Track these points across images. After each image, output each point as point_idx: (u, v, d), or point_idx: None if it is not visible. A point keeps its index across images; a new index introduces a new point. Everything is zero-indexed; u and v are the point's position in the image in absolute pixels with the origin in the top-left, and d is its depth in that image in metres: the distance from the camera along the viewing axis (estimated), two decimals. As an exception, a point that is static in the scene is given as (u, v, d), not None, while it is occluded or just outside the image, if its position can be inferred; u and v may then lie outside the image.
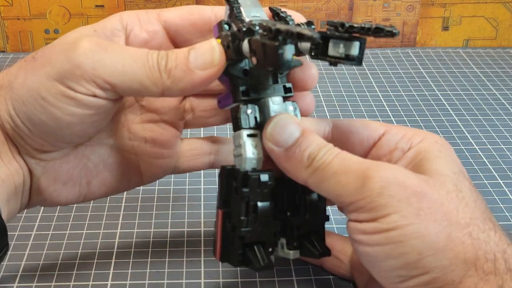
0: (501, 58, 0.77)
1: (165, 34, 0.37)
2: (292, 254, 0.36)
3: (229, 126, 0.59)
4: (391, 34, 0.29)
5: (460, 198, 0.31)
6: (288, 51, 0.29)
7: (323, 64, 0.74)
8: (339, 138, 0.36)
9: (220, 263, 0.41)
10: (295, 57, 0.32)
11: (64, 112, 0.32)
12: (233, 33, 0.32)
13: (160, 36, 0.37)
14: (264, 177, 0.33)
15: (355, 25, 0.30)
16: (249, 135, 0.34)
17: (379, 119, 0.61)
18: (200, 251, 0.43)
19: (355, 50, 0.30)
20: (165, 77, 0.32)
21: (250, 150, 0.34)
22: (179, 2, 0.76)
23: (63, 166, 0.35)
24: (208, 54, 0.32)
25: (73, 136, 0.34)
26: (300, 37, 0.26)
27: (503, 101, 0.66)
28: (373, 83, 0.70)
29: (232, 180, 0.34)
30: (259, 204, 0.33)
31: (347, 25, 0.30)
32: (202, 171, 0.52)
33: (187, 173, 0.51)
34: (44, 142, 0.34)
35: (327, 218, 0.36)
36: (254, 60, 0.31)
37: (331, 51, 0.30)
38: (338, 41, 0.30)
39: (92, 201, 0.48)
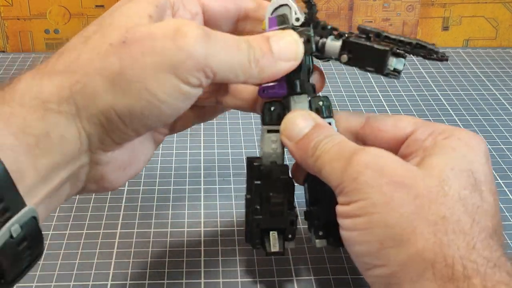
0: (501, 58, 0.77)
1: (202, 17, 0.37)
2: (318, 243, 0.37)
3: (228, 121, 0.59)
4: (444, 59, 0.36)
5: (440, 194, 0.30)
6: (392, 60, 0.34)
7: (323, 64, 0.74)
8: (369, 135, 0.37)
9: (221, 263, 0.41)
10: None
11: (171, 107, 0.30)
12: (317, 30, 0.35)
13: (199, 19, 0.36)
14: (276, 172, 0.36)
15: (397, 39, 0.35)
16: (269, 131, 0.36)
17: (379, 119, 0.61)
18: (200, 251, 0.43)
19: (401, 65, 0.35)
20: (254, 66, 0.32)
21: (268, 145, 0.36)
22: (179, 2, 0.76)
23: (125, 153, 0.33)
24: (293, 46, 0.34)
25: (162, 124, 0.33)
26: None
27: (503, 101, 0.66)
28: (373, 83, 0.70)
29: (250, 171, 0.37)
30: (272, 195, 0.36)
31: (383, 35, 0.34)
32: (202, 171, 0.52)
33: (187, 173, 0.52)
34: (134, 133, 0.31)
35: None
36: (345, 58, 0.35)
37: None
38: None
39: (92, 201, 0.48)
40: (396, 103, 0.65)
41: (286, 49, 0.33)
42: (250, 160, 0.37)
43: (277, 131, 0.36)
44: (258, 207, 0.36)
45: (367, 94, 0.67)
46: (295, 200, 0.37)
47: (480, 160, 0.33)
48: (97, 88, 0.29)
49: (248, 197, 0.37)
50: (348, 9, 0.79)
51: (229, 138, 0.57)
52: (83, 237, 0.44)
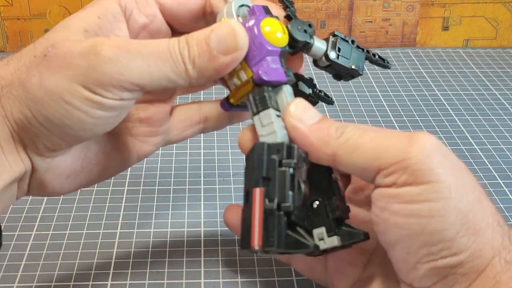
0: (501, 58, 0.77)
1: (162, 18, 0.36)
2: (337, 240, 0.33)
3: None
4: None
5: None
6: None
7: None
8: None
9: (220, 263, 0.41)
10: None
11: (89, 116, 0.31)
12: (305, 29, 0.35)
13: (158, 19, 0.36)
14: (303, 152, 0.32)
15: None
16: (277, 116, 0.33)
17: (379, 119, 0.61)
18: (200, 251, 0.43)
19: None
20: (190, 68, 0.31)
21: (281, 128, 0.33)
22: (179, 2, 0.76)
23: (67, 161, 0.34)
24: (231, 38, 0.31)
25: (93, 135, 0.33)
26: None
27: (503, 101, 0.66)
28: (373, 83, 0.70)
29: (275, 154, 0.32)
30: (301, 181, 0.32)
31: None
32: (202, 172, 0.52)
33: (187, 173, 0.52)
34: (62, 141, 0.32)
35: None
36: (333, 54, 0.36)
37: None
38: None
39: (92, 201, 0.48)
40: (396, 103, 0.65)
41: (224, 43, 0.31)
42: (269, 144, 0.32)
43: (280, 116, 0.33)
44: (290, 192, 0.31)
45: (367, 94, 0.67)
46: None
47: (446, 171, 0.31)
48: (19, 96, 0.31)
49: (266, 189, 0.31)
50: (348, 9, 0.79)
51: (229, 138, 0.57)
52: (83, 237, 0.44)
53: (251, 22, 0.33)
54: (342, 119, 0.61)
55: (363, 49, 0.37)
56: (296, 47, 0.35)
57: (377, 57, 0.38)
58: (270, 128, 0.33)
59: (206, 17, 0.36)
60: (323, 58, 0.36)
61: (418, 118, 0.62)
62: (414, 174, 0.29)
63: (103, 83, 0.30)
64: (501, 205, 0.48)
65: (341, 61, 0.36)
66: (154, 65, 0.31)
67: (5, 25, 0.77)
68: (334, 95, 0.66)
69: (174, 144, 0.55)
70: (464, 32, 0.81)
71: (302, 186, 0.32)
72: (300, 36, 0.35)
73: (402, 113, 0.63)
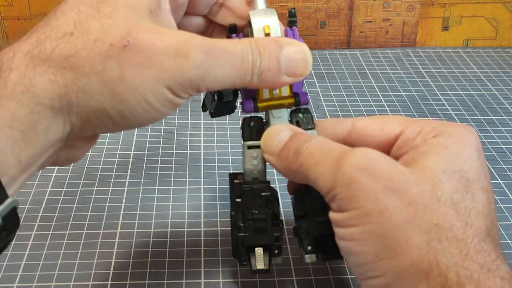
0: (501, 58, 0.77)
1: None
2: (307, 258, 0.35)
3: (228, 121, 0.59)
4: None
5: (434, 199, 0.29)
6: None
7: (322, 64, 0.74)
8: (357, 141, 0.36)
9: (220, 263, 0.41)
10: None
11: (160, 114, 0.31)
12: None
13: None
14: (257, 190, 0.35)
15: None
16: (250, 147, 0.36)
17: (379, 119, 0.61)
18: (200, 251, 0.43)
19: None
20: (256, 78, 0.32)
21: (249, 161, 0.36)
22: (179, 2, 0.76)
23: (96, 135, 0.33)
24: (302, 64, 0.33)
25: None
26: None
27: (503, 101, 0.66)
28: (373, 83, 0.70)
29: (232, 188, 0.36)
30: (254, 212, 0.35)
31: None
32: (202, 172, 0.52)
33: (187, 173, 0.51)
34: (120, 128, 0.31)
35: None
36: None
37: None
38: None
39: (92, 201, 0.48)
40: (396, 103, 0.65)
41: (293, 66, 0.33)
42: (232, 177, 0.37)
43: (257, 146, 0.35)
44: (241, 224, 0.35)
45: (367, 94, 0.67)
46: (282, 214, 0.36)
47: (472, 156, 0.32)
48: (94, 89, 0.29)
49: (232, 214, 0.36)
50: (348, 9, 0.79)
51: (229, 138, 0.57)
52: (83, 237, 0.44)
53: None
54: (342, 119, 0.61)
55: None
56: None
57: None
58: (242, 159, 0.36)
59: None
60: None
61: (418, 118, 0.62)
62: (339, 203, 0.30)
63: (185, 86, 0.30)
64: (501, 205, 0.48)
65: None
66: (228, 74, 0.31)
67: (5, 25, 0.77)
68: (334, 95, 0.66)
69: (174, 144, 0.55)
70: (464, 32, 0.81)
71: (258, 214, 0.35)
72: None
73: (402, 113, 0.63)
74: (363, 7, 0.79)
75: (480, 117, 0.62)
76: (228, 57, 0.31)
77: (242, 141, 0.36)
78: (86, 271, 0.41)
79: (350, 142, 0.36)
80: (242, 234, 0.35)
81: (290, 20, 0.37)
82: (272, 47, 0.32)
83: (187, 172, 0.52)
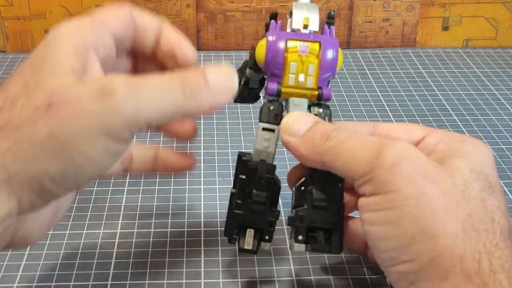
0: (501, 58, 0.77)
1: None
2: (296, 246, 0.36)
3: (228, 121, 0.59)
4: None
5: (466, 194, 0.31)
6: None
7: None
8: None
9: (220, 263, 0.41)
10: None
11: (101, 164, 0.30)
12: None
13: (112, 49, 0.35)
14: (262, 170, 0.36)
15: None
16: (264, 129, 0.36)
17: (379, 119, 0.61)
18: (200, 251, 0.43)
19: None
20: (191, 103, 0.31)
21: (261, 142, 0.36)
22: (179, 2, 0.76)
23: (51, 208, 0.33)
24: (229, 81, 0.33)
25: (96, 177, 0.32)
26: None
27: (503, 101, 0.66)
28: (373, 83, 0.70)
29: (238, 165, 0.37)
30: (254, 192, 0.36)
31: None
32: (202, 171, 0.52)
33: (187, 174, 0.51)
34: (66, 191, 0.31)
35: (342, 217, 0.36)
36: None
37: None
38: None
39: (92, 201, 0.48)
40: (396, 103, 0.65)
41: (222, 85, 0.32)
42: (240, 155, 0.37)
43: (272, 130, 0.36)
44: (240, 201, 0.36)
45: (367, 94, 0.67)
46: (280, 204, 0.37)
47: (491, 165, 0.34)
48: (28, 154, 0.29)
49: (233, 191, 0.37)
50: (348, 9, 0.79)
51: (229, 138, 0.57)
52: (83, 237, 0.44)
53: (337, 46, 0.36)
54: (342, 119, 0.61)
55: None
56: None
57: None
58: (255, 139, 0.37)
59: (158, 57, 0.37)
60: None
61: (418, 118, 0.62)
62: (376, 186, 0.31)
63: (121, 124, 0.29)
64: (501, 205, 0.48)
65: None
66: (161, 103, 0.30)
67: (5, 25, 0.77)
68: (334, 95, 0.66)
69: (174, 144, 0.55)
70: (464, 32, 0.81)
71: (257, 195, 0.36)
72: None
73: (402, 113, 0.63)
74: (363, 7, 0.79)
75: (480, 117, 0.62)
76: (157, 87, 0.30)
77: (259, 122, 0.36)
78: (86, 271, 0.41)
79: None
80: (238, 212, 0.36)
81: (328, 22, 0.38)
82: (195, 73, 0.32)
83: (187, 172, 0.52)
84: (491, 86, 0.69)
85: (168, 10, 0.77)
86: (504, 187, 0.50)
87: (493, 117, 0.62)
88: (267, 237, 0.37)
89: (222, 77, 0.32)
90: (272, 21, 0.37)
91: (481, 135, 0.58)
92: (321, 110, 0.36)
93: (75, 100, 0.29)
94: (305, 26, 0.36)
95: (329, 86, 0.37)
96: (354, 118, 0.61)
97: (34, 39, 0.78)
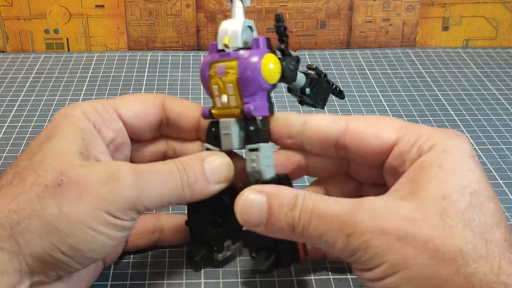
0: (501, 58, 0.77)
1: (126, 132, 0.38)
2: (220, 256, 0.40)
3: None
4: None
5: (446, 228, 0.30)
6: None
7: (322, 64, 0.74)
8: (351, 145, 0.36)
9: (220, 263, 0.41)
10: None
11: (112, 239, 0.33)
12: (297, 60, 0.37)
13: (123, 133, 0.38)
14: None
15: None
16: (207, 148, 0.37)
17: (379, 119, 0.61)
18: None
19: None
20: (187, 191, 0.34)
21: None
22: (179, 2, 0.77)
23: (63, 281, 0.34)
24: (225, 170, 0.36)
25: (107, 254, 0.34)
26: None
27: (503, 101, 0.66)
28: (373, 83, 0.70)
29: None
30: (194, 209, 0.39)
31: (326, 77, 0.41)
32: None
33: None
34: (80, 266, 0.33)
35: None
36: (308, 91, 0.40)
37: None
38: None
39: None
40: (396, 103, 0.65)
41: (218, 174, 0.35)
42: None
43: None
44: (189, 214, 0.39)
45: (367, 94, 0.67)
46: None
47: (469, 167, 0.32)
48: (38, 229, 0.31)
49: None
50: (348, 9, 0.79)
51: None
52: (83, 237, 0.44)
53: (255, 59, 0.35)
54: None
55: (330, 83, 0.41)
56: (281, 81, 0.37)
57: (338, 90, 0.42)
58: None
59: (162, 129, 0.40)
60: (298, 90, 0.39)
61: (418, 118, 0.62)
62: (365, 265, 0.31)
63: (124, 207, 0.32)
64: (502, 205, 0.48)
65: (311, 97, 0.40)
66: (161, 192, 0.34)
67: (5, 25, 0.77)
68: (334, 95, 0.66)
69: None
70: (464, 32, 0.81)
71: (198, 211, 0.39)
72: (290, 76, 0.37)
73: (402, 113, 0.63)
74: (363, 7, 0.79)
75: (480, 117, 0.62)
76: (158, 176, 0.34)
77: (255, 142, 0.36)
78: (86, 271, 0.41)
79: (343, 143, 0.36)
80: (188, 223, 0.40)
81: (277, 25, 0.37)
82: (194, 163, 0.35)
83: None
84: (491, 86, 0.69)
85: (168, 10, 0.77)
86: (504, 187, 0.50)
87: (493, 117, 0.62)
88: (215, 248, 0.39)
89: (218, 166, 0.35)
90: (210, 43, 0.37)
91: (481, 135, 0.58)
92: (252, 128, 0.36)
93: (84, 182, 0.32)
94: (226, 46, 0.36)
95: (271, 100, 0.37)
96: (368, 116, 0.61)
97: (34, 39, 0.78)
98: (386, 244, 0.30)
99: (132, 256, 0.42)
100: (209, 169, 0.35)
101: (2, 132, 0.58)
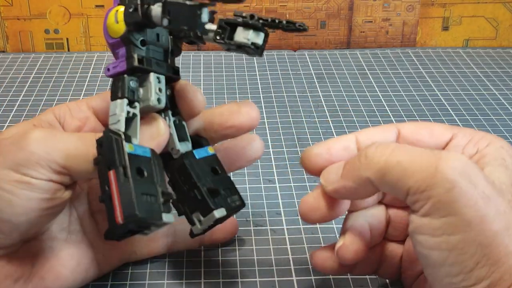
0: (501, 58, 0.77)
1: (96, 119, 0.38)
2: (217, 213, 0.36)
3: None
4: (303, 29, 0.31)
5: None
6: (205, 13, 0.32)
7: (322, 64, 0.74)
8: None
9: (220, 263, 0.41)
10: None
11: (20, 198, 0.32)
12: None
13: (92, 121, 0.38)
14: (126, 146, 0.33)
15: (266, 18, 0.32)
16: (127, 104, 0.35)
17: (379, 119, 0.61)
18: (200, 251, 0.43)
19: (260, 39, 0.32)
20: None
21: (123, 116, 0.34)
22: None
23: (13, 262, 0.35)
24: (154, 126, 0.35)
25: (29, 224, 0.33)
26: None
27: (503, 101, 0.66)
28: (373, 83, 0.70)
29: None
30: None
31: (256, 16, 0.32)
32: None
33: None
34: (9, 233, 0.33)
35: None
36: (165, 21, 0.32)
37: (238, 36, 0.32)
38: (247, 29, 0.32)
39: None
40: (396, 103, 0.65)
41: (148, 130, 0.35)
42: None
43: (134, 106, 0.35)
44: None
45: (367, 94, 0.67)
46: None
47: None
48: None
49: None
50: (348, 9, 0.79)
51: (229, 138, 0.57)
52: (83, 237, 0.44)
53: (105, 15, 0.35)
54: (342, 119, 0.61)
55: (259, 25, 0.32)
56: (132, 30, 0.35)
57: (284, 22, 0.32)
58: (115, 118, 0.34)
59: None
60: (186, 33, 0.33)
61: (418, 118, 0.62)
62: (435, 206, 0.29)
63: (31, 162, 0.32)
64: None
65: (176, 29, 0.33)
66: (81, 149, 0.33)
67: (5, 25, 0.77)
68: (334, 95, 0.66)
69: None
70: (464, 32, 0.81)
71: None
72: (128, 18, 0.34)
73: (402, 113, 0.63)
74: (363, 7, 0.79)
75: (480, 117, 0.62)
76: (78, 136, 0.34)
77: (112, 99, 0.35)
78: (86, 271, 0.41)
79: None
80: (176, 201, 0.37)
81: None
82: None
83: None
84: (491, 86, 0.69)
85: (168, 10, 0.77)
86: (504, 187, 0.50)
87: (493, 117, 0.62)
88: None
89: (148, 124, 0.35)
90: None
91: (481, 135, 0.58)
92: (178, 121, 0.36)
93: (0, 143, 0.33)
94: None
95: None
96: (354, 118, 0.61)
97: (34, 39, 0.78)
98: (472, 195, 0.29)
99: (132, 256, 0.42)
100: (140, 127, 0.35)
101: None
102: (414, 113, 0.63)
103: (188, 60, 0.75)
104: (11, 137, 0.33)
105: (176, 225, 0.40)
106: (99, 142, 0.33)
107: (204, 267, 0.41)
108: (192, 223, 0.37)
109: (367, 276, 0.40)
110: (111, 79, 0.36)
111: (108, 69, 0.36)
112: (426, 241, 0.30)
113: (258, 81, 0.70)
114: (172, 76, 0.36)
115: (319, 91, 0.67)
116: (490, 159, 0.33)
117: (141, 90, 0.35)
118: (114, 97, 0.35)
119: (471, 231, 0.29)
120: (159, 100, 0.35)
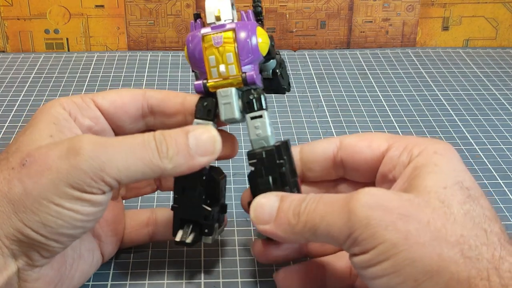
0: (501, 58, 0.77)
1: (105, 119, 0.38)
2: (210, 239, 0.38)
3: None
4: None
5: (448, 214, 0.30)
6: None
7: (322, 64, 0.74)
8: (347, 158, 0.37)
9: (220, 263, 0.41)
10: None
11: (79, 213, 0.32)
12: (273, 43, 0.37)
13: (102, 122, 0.38)
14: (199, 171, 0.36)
15: None
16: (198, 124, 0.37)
17: (379, 119, 0.61)
18: (200, 251, 0.43)
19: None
20: (167, 162, 0.33)
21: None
22: (179, 2, 0.77)
23: (54, 267, 0.35)
24: (210, 143, 0.34)
25: (84, 231, 0.34)
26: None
27: (503, 101, 0.66)
28: (373, 83, 0.70)
29: None
30: (187, 187, 0.37)
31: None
32: (202, 171, 0.52)
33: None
34: (58, 244, 0.33)
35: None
36: (279, 71, 0.38)
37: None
38: None
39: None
40: (396, 103, 0.65)
41: (203, 147, 0.34)
42: None
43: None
44: (177, 196, 0.38)
45: (367, 94, 0.67)
46: (224, 199, 0.39)
47: (461, 167, 0.33)
48: (7, 210, 0.32)
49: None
50: (348, 9, 0.79)
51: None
52: (83, 237, 0.44)
53: (252, 28, 0.36)
54: (342, 119, 0.61)
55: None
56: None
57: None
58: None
59: (147, 121, 0.39)
60: (271, 71, 0.39)
61: (418, 118, 0.62)
62: (362, 244, 0.31)
63: (85, 179, 0.32)
64: (501, 205, 0.48)
65: (280, 79, 0.39)
66: (131, 160, 0.33)
67: (5, 25, 0.77)
68: (334, 95, 0.66)
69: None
70: (464, 32, 0.81)
71: (190, 190, 0.38)
72: (272, 51, 0.37)
73: (402, 113, 0.63)
74: (363, 7, 0.79)
75: (480, 117, 0.62)
76: (126, 146, 0.33)
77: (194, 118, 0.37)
78: (86, 271, 0.41)
79: (339, 159, 0.38)
80: (175, 206, 0.38)
81: (254, 5, 0.38)
82: (178, 134, 0.34)
83: (187, 172, 0.52)
84: (491, 86, 0.69)
85: (168, 10, 0.77)
86: (504, 187, 0.50)
87: (493, 117, 0.62)
88: (206, 231, 0.38)
89: (204, 139, 0.34)
90: (192, 21, 0.38)
91: (481, 135, 0.58)
92: (251, 96, 0.36)
93: (45, 159, 0.32)
94: (218, 18, 0.36)
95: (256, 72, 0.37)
96: (354, 118, 0.61)
97: (34, 39, 0.78)
98: (389, 220, 0.30)
99: (132, 255, 0.42)
100: (194, 140, 0.34)
101: (2, 132, 0.58)
102: (414, 113, 0.63)
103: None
104: (57, 151, 0.32)
105: (159, 215, 0.41)
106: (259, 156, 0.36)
107: (204, 267, 0.41)
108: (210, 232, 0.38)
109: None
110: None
111: (256, 77, 0.36)
112: (367, 273, 0.31)
113: (258, 81, 0.70)
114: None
115: (319, 91, 0.67)
116: (421, 167, 0.33)
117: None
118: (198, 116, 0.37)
119: (400, 252, 0.29)
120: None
